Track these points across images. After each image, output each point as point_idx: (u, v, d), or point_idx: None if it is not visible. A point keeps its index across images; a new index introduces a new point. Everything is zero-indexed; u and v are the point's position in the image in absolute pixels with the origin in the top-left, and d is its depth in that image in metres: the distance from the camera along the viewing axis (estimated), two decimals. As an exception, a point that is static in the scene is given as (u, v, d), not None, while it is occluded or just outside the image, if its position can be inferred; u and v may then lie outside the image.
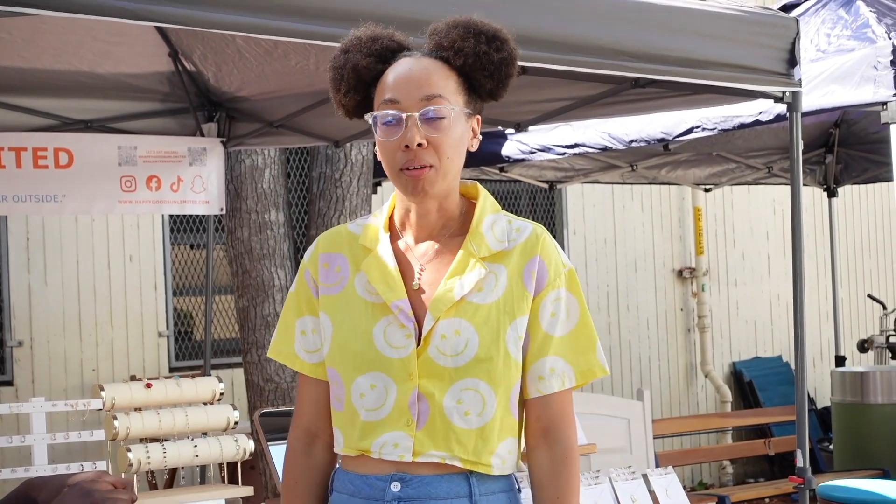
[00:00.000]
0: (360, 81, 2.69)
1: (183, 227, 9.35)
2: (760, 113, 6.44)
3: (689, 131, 6.95)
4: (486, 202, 2.75)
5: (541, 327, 2.69)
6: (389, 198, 2.82)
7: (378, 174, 8.03)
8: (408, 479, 2.65)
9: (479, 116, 2.73)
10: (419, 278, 2.70)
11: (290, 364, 2.81)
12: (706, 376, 11.74)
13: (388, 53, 2.70)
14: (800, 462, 5.15)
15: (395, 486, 2.65)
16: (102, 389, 5.53)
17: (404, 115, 2.61)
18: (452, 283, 2.66)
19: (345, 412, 2.70)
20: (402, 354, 2.65)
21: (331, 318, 2.73)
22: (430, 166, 2.62)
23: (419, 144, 2.60)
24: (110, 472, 5.59)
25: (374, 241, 2.73)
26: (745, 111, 6.50)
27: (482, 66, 2.65)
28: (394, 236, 2.75)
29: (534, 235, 2.72)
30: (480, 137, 2.76)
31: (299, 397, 2.84)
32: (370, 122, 2.68)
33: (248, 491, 5.82)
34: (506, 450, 2.69)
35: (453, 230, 2.73)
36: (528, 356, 2.70)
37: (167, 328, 9.15)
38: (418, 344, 2.64)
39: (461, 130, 2.67)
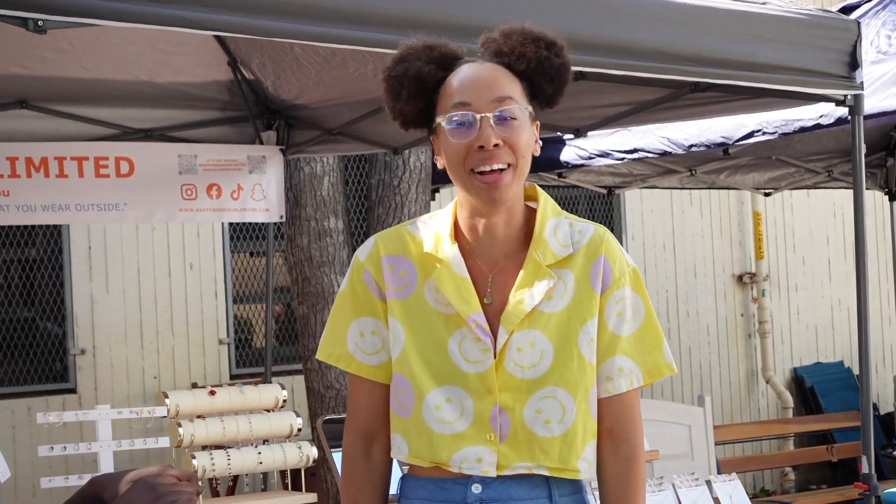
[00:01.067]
0: (422, 89, 2.67)
1: (242, 235, 9.40)
2: (821, 116, 6.39)
3: (750, 135, 6.90)
4: (546, 205, 2.73)
5: (608, 327, 2.68)
6: (448, 204, 2.79)
7: (437, 181, 8.03)
8: (489, 482, 2.64)
9: (538, 122, 2.72)
10: (490, 293, 2.68)
11: (343, 366, 2.76)
12: (767, 382, 11.65)
13: (447, 60, 2.70)
14: (865, 468, 5.10)
15: (477, 488, 2.64)
16: (167, 397, 5.56)
17: (478, 116, 2.60)
18: (522, 294, 2.65)
19: (411, 420, 2.68)
20: (479, 369, 2.63)
21: (403, 325, 2.69)
22: (508, 166, 2.60)
23: (495, 145, 2.58)
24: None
25: (441, 251, 2.70)
26: (806, 114, 6.45)
27: (544, 70, 2.65)
28: (461, 247, 2.71)
29: (597, 236, 2.70)
30: (541, 143, 2.74)
31: (354, 400, 2.80)
32: (444, 124, 2.64)
33: (312, 498, 5.84)
34: (592, 453, 2.69)
35: (518, 238, 2.70)
36: (597, 357, 2.69)
37: (227, 336, 9.19)
38: (494, 357, 2.63)
39: (529, 132, 2.66)
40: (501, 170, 2.59)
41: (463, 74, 2.66)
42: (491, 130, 2.59)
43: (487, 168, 2.59)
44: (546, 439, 2.62)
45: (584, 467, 2.66)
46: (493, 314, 2.66)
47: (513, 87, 2.64)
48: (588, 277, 2.67)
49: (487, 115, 2.60)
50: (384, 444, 2.78)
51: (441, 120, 2.64)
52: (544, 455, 2.63)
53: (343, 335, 2.75)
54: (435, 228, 2.74)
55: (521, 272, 2.66)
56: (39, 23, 3.21)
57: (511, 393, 2.62)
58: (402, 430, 2.70)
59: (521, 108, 2.62)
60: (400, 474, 2.82)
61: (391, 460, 2.81)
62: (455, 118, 2.62)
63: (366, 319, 2.73)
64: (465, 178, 2.62)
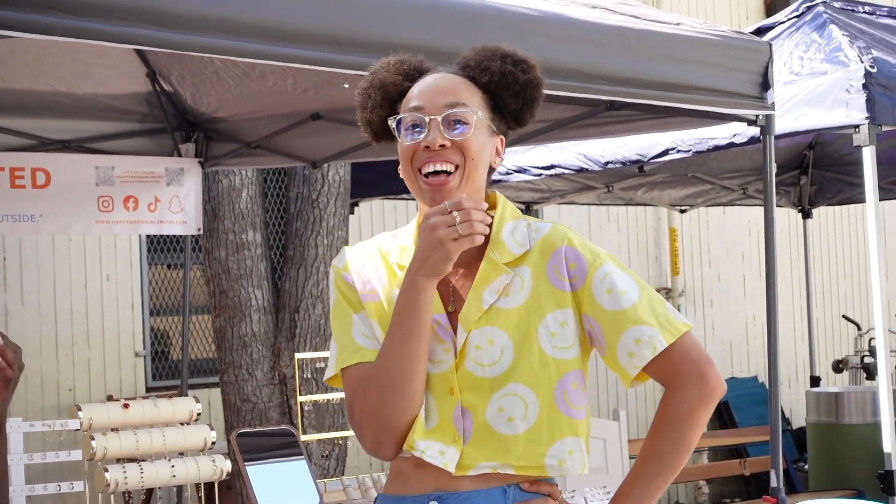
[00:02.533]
0: (386, 98, 2.72)
1: (160, 247, 9.36)
2: (735, 135, 6.49)
3: (665, 153, 7.00)
4: (505, 209, 2.73)
5: (604, 309, 2.64)
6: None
7: (356, 194, 8.05)
8: (445, 496, 2.64)
9: (502, 138, 2.74)
10: (452, 298, 2.69)
11: (359, 358, 2.69)
12: (680, 396, 11.73)
13: (415, 73, 2.74)
14: (773, 482, 5.19)
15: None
16: (80, 410, 5.53)
17: (427, 118, 2.63)
18: (479, 292, 2.65)
19: None
20: (441, 369, 2.65)
21: (380, 326, 2.69)
22: (455, 168, 2.62)
23: (441, 145, 2.61)
24: (87, 492, 5.60)
25: (405, 260, 2.71)
26: (720, 133, 6.55)
27: (507, 84, 2.66)
28: None
29: (554, 230, 2.69)
30: (503, 158, 2.76)
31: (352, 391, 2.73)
32: (393, 125, 2.68)
33: (229, 512, 5.84)
34: (563, 451, 2.64)
35: (480, 247, 2.67)
36: (608, 343, 2.65)
37: (144, 348, 9.14)
38: (455, 356, 2.64)
39: (484, 140, 2.66)
40: (448, 173, 2.61)
41: (422, 83, 2.70)
42: (438, 132, 2.61)
43: (431, 168, 2.62)
44: (509, 437, 2.61)
45: (552, 464, 2.63)
46: (456, 317, 2.67)
47: (470, 96, 2.66)
48: (545, 272, 2.66)
49: (436, 117, 2.62)
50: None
51: (392, 122, 2.68)
52: (507, 453, 2.61)
53: (350, 335, 2.72)
54: (400, 241, 2.77)
55: (479, 271, 2.66)
56: (-45, 34, 3.21)
57: (473, 392, 2.62)
58: None
59: (472, 112, 2.63)
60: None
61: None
62: (405, 118, 2.66)
63: (363, 313, 2.72)
64: (412, 180, 2.66)
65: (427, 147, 2.62)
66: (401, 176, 2.70)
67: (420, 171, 2.64)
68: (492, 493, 2.64)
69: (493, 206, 2.76)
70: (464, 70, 2.71)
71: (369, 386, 2.66)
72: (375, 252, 2.77)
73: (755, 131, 5.79)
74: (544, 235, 2.69)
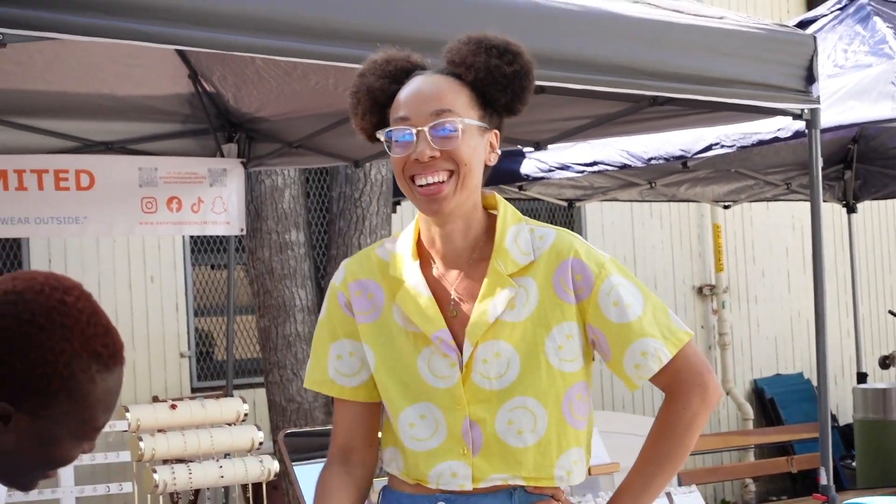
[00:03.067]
0: (375, 104, 2.68)
1: (204, 248, 9.37)
2: (779, 130, 6.44)
3: (708, 148, 6.95)
4: (506, 213, 2.72)
5: (611, 322, 2.64)
6: (411, 220, 2.80)
7: (398, 193, 8.04)
8: (452, 498, 2.65)
9: (497, 132, 2.71)
10: (454, 306, 2.67)
11: (326, 391, 2.77)
12: (727, 394, 11.68)
13: (401, 74, 2.70)
14: (823, 480, 5.14)
15: None
16: (128, 411, 5.54)
17: (415, 131, 2.60)
18: (485, 305, 2.64)
19: (396, 437, 2.71)
20: (448, 384, 2.64)
21: (373, 350, 2.70)
22: (450, 175, 2.60)
23: (431, 157, 2.58)
24: (136, 493, 5.61)
25: (403, 271, 2.70)
26: (764, 128, 6.50)
27: (494, 79, 2.63)
28: (423, 263, 2.71)
29: (559, 240, 2.68)
30: (500, 153, 2.72)
31: (336, 420, 2.81)
32: (383, 138, 2.65)
33: (277, 512, 5.84)
34: (570, 461, 2.67)
35: (480, 251, 2.69)
36: (613, 355, 2.66)
37: (189, 349, 9.16)
38: (461, 371, 2.64)
39: (475, 143, 2.63)
40: (441, 182, 2.59)
41: (407, 89, 2.66)
42: (426, 144, 2.58)
43: (423, 181, 2.59)
44: (519, 450, 2.62)
45: (562, 475, 2.65)
46: (459, 326, 2.65)
47: (456, 99, 2.62)
48: (552, 284, 2.65)
49: (423, 129, 2.59)
50: (362, 459, 2.79)
51: (381, 135, 2.66)
52: (518, 465, 2.63)
53: (324, 361, 2.76)
54: (399, 249, 2.74)
55: (484, 283, 2.65)
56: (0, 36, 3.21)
57: (481, 405, 2.62)
58: (395, 443, 2.72)
59: (460, 120, 2.60)
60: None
61: (369, 476, 2.82)
62: (393, 133, 2.63)
63: (344, 342, 2.74)
64: (407, 190, 2.64)
65: (417, 160, 2.59)
66: (399, 186, 2.68)
67: (413, 180, 2.62)
68: (498, 496, 2.65)
69: (492, 208, 2.75)
70: (449, 67, 2.68)
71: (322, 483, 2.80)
72: (374, 263, 2.76)
73: (799, 125, 5.75)
74: (550, 245, 2.68)
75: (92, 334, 1.93)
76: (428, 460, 2.65)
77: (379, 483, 2.88)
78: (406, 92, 2.66)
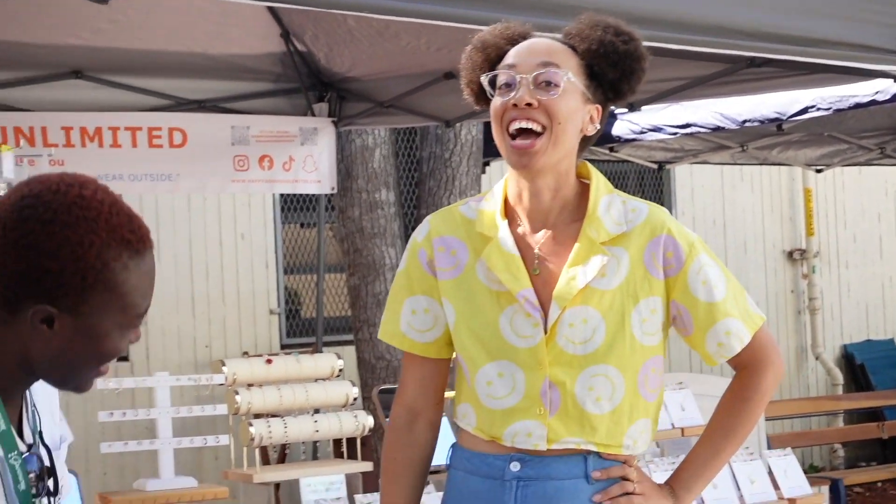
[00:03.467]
0: (487, 59, 2.70)
1: (293, 206, 9.41)
2: (877, 93, 6.33)
3: (804, 111, 6.84)
4: (599, 183, 2.72)
5: (698, 300, 2.68)
6: (500, 180, 2.79)
7: (487, 154, 8.01)
8: (527, 459, 2.65)
9: (599, 107, 2.70)
10: (538, 264, 2.67)
11: (398, 344, 2.78)
12: (817, 359, 11.58)
13: (517, 38, 2.72)
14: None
15: (515, 466, 2.65)
16: (224, 365, 5.58)
17: (518, 77, 2.61)
18: (575, 270, 2.63)
19: (471, 394, 2.70)
20: (530, 343, 2.63)
21: (453, 306, 2.70)
22: (543, 130, 2.60)
23: (528, 104, 2.59)
24: (232, 446, 5.67)
25: (491, 229, 2.70)
26: (861, 91, 6.39)
27: (606, 53, 2.64)
28: (511, 222, 2.71)
29: (653, 216, 2.69)
30: (599, 127, 2.72)
31: (404, 375, 2.83)
32: (486, 82, 2.67)
33: (368, 466, 5.85)
34: (638, 431, 2.69)
35: (569, 215, 2.70)
36: (696, 330, 2.70)
37: (278, 306, 9.22)
38: (545, 332, 2.63)
39: (576, 105, 2.63)
40: (535, 133, 2.59)
41: (520, 45, 2.69)
42: (526, 90, 2.60)
43: (517, 126, 2.60)
44: (595, 416, 2.63)
45: (629, 444, 2.67)
46: (542, 285, 2.65)
47: (566, 60, 2.64)
48: (642, 257, 2.66)
49: (527, 75, 2.61)
50: (428, 420, 2.81)
51: (485, 78, 2.67)
52: (593, 431, 2.64)
53: (398, 314, 2.78)
54: (486, 206, 2.74)
55: (575, 248, 2.65)
56: (100, -8, 3.20)
57: (562, 368, 2.62)
58: (470, 400, 2.72)
59: (563, 74, 2.61)
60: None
61: (435, 438, 2.83)
62: (498, 76, 2.65)
63: (419, 298, 2.75)
64: (501, 140, 2.64)
65: (515, 105, 2.60)
66: (494, 138, 2.69)
67: (508, 130, 2.61)
68: (572, 459, 2.66)
69: (585, 178, 2.75)
70: (565, 38, 2.70)
71: (390, 440, 2.85)
72: (458, 220, 2.75)
73: (897, 88, 5.62)
74: (644, 220, 2.69)
75: (117, 224, 1.91)
76: (504, 418, 2.65)
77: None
78: (518, 45, 2.69)
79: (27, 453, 2.04)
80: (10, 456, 1.98)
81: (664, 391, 2.80)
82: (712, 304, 2.67)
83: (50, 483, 2.06)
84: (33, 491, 2.02)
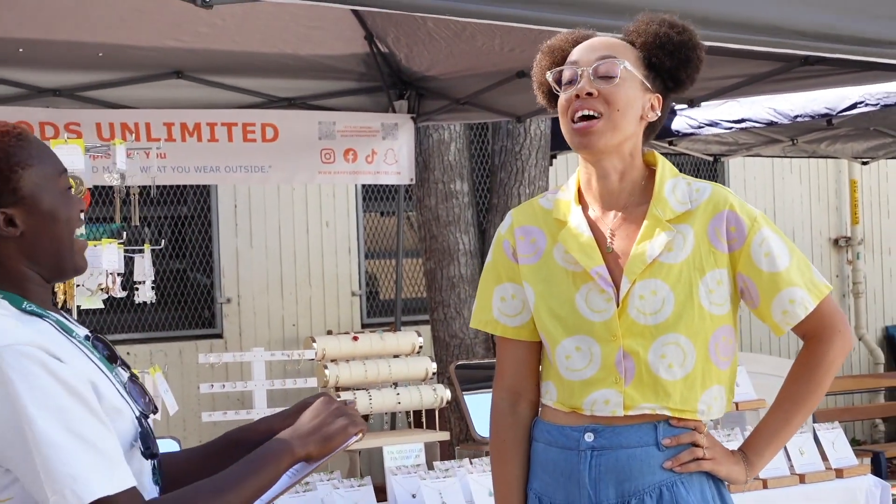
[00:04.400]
0: (553, 61, 2.76)
1: (374, 196, 9.44)
2: (923, 89, 6.24)
3: (853, 107, 6.76)
4: (664, 168, 2.73)
5: (762, 271, 2.66)
6: (566, 172, 2.81)
7: (555, 147, 7.99)
8: (600, 429, 2.65)
9: (659, 96, 2.70)
10: (612, 243, 2.68)
11: (491, 330, 2.81)
12: (860, 339, 11.46)
13: (581, 39, 2.77)
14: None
15: (589, 437, 2.66)
16: (314, 341, 5.62)
17: (579, 70, 2.65)
18: (644, 246, 2.64)
19: (553, 369, 2.72)
20: (604, 317, 2.64)
21: (533, 287, 2.73)
22: (600, 115, 2.61)
23: (588, 94, 2.61)
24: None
25: (566, 214, 2.73)
26: (908, 87, 6.31)
27: (662, 44, 2.66)
28: (584, 208, 2.73)
29: (716, 193, 2.69)
30: (661, 115, 2.72)
31: (501, 358, 2.85)
32: (551, 80, 2.70)
33: (445, 436, 5.88)
34: (711, 397, 2.68)
35: (637, 198, 2.71)
36: (762, 301, 2.68)
37: (359, 288, 9.26)
38: (617, 305, 2.62)
39: (634, 93, 2.65)
40: (593, 117, 2.61)
41: (581, 44, 2.72)
42: (587, 80, 2.63)
43: (579, 114, 2.62)
44: (669, 382, 2.62)
45: (703, 409, 2.66)
46: (615, 263, 2.66)
47: (624, 52, 2.66)
48: (707, 232, 2.66)
49: (587, 68, 2.64)
50: (530, 400, 2.82)
51: (549, 75, 2.71)
52: (667, 396, 2.63)
53: (489, 302, 2.81)
54: (562, 196, 2.77)
55: (643, 225, 2.66)
56: (206, -2, 3.22)
57: (635, 338, 2.63)
58: (551, 377, 2.74)
59: (621, 63, 2.63)
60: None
61: (535, 416, 2.83)
62: (563, 71, 2.69)
63: (507, 285, 2.78)
64: (566, 127, 2.66)
65: (577, 96, 2.63)
66: (561, 129, 2.71)
67: (573, 120, 2.64)
68: (643, 428, 2.64)
69: (651, 164, 2.76)
70: (624, 35, 2.73)
71: (495, 424, 2.83)
72: (537, 211, 2.79)
73: (944, 85, 5.54)
74: (707, 198, 2.68)
75: None
76: (583, 389, 2.66)
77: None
78: (579, 45, 2.73)
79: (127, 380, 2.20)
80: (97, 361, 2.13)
81: (737, 363, 2.77)
82: (776, 273, 2.65)
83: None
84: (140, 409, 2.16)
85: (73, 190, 2.19)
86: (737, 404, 5.24)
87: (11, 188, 2.08)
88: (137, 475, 2.05)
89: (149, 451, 2.08)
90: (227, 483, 2.04)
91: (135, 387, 2.18)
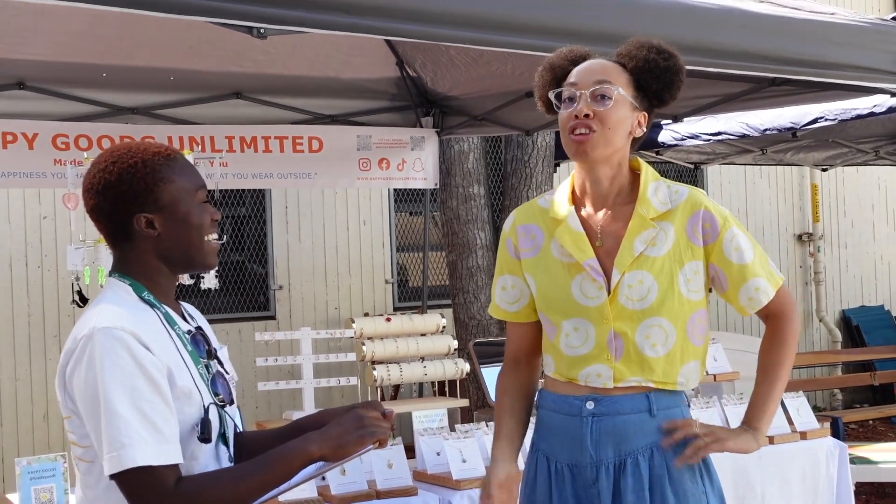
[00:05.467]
0: (553, 77, 2.73)
1: (404, 198, 9.44)
2: (875, 106, 6.19)
3: (815, 121, 6.71)
4: (647, 173, 2.73)
5: (732, 262, 2.67)
6: (568, 177, 2.81)
7: (558, 157, 7.98)
8: (599, 398, 2.66)
9: (646, 114, 2.69)
10: (601, 238, 2.67)
11: (496, 315, 2.86)
12: (820, 321, 11.41)
13: (579, 59, 2.74)
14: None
15: (590, 405, 2.67)
16: (353, 322, 5.64)
17: (578, 92, 2.63)
18: (631, 242, 2.65)
19: (553, 345, 2.73)
20: (597, 303, 2.65)
21: (534, 278, 2.74)
22: (593, 131, 2.60)
23: (586, 115, 2.60)
24: (359, 385, 5.73)
25: (561, 213, 2.72)
26: (861, 104, 6.25)
27: (650, 68, 2.65)
28: (577, 207, 2.73)
29: (692, 196, 2.70)
30: (646, 130, 2.72)
31: (508, 336, 2.90)
32: (553, 98, 2.69)
33: (465, 402, 5.89)
34: (689, 370, 2.69)
35: (624, 198, 2.71)
36: (730, 288, 2.69)
37: (392, 276, 9.26)
38: (609, 293, 2.62)
39: (625, 113, 2.64)
40: (588, 133, 2.60)
41: (580, 65, 2.70)
42: (585, 103, 2.62)
43: (577, 131, 2.61)
44: (653, 359, 2.63)
45: (682, 381, 2.67)
46: (605, 256, 2.66)
47: (617, 77, 2.64)
48: (685, 229, 2.65)
49: (585, 91, 2.62)
50: (529, 362, 2.86)
51: (552, 94, 2.69)
52: (651, 371, 2.63)
53: (497, 291, 2.85)
54: (558, 197, 2.77)
55: (630, 224, 2.66)
56: (262, 31, 3.24)
57: (624, 321, 2.63)
58: (550, 351, 2.74)
59: (614, 88, 2.61)
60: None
61: (536, 373, 2.88)
62: (563, 91, 2.67)
63: (507, 277, 2.81)
64: (566, 139, 2.66)
65: (576, 116, 2.62)
66: (561, 140, 2.71)
67: (570, 134, 2.64)
68: (637, 397, 2.65)
69: (636, 169, 2.76)
70: (617, 57, 2.71)
71: (500, 392, 2.87)
72: (537, 211, 2.79)
73: (892, 102, 5.55)
74: (685, 199, 2.68)
75: (153, 152, 2.19)
76: (579, 363, 2.66)
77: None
78: (578, 66, 2.71)
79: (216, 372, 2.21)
80: (199, 362, 2.17)
81: (709, 340, 2.78)
82: (744, 265, 2.66)
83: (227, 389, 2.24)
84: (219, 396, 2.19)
85: (209, 202, 2.25)
86: (714, 376, 5.23)
87: (154, 198, 2.15)
88: (195, 454, 2.10)
89: (203, 436, 2.11)
90: (245, 473, 2.07)
91: (222, 380, 2.21)
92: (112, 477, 2.00)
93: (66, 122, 5.90)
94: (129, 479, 1.98)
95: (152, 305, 2.15)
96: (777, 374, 2.73)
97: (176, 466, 2.03)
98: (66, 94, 5.94)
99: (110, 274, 2.20)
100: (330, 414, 2.30)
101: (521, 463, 2.88)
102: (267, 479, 2.06)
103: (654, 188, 2.68)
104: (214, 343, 2.28)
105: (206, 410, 2.12)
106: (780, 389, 2.75)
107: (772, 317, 2.73)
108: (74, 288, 4.71)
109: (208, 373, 2.18)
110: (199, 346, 2.21)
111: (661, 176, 2.77)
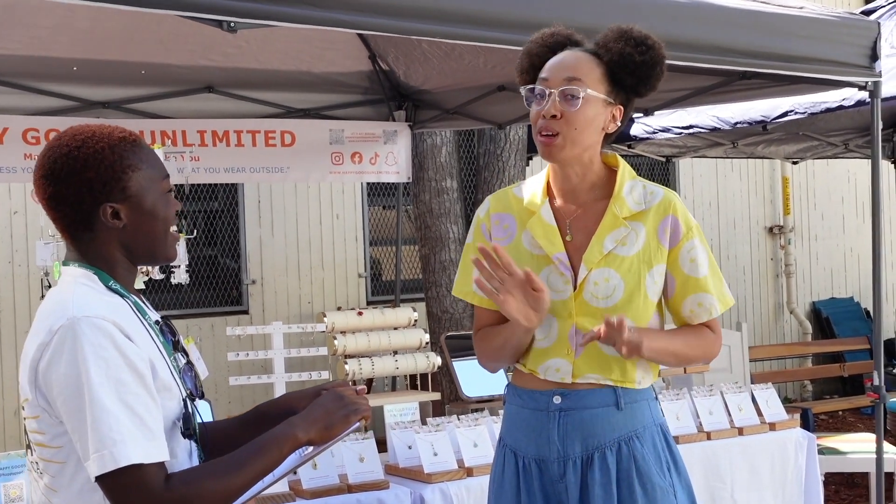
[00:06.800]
0: (531, 65, 2.69)
1: (377, 192, 9.43)
2: (843, 99, 6.22)
3: (784, 115, 6.74)
4: (625, 171, 2.70)
5: (683, 271, 2.65)
6: (541, 171, 2.79)
7: (531, 150, 7.99)
8: (567, 393, 2.65)
9: (621, 107, 2.65)
10: (570, 232, 2.66)
11: (469, 300, 2.79)
12: (791, 313, 11.47)
13: (559, 47, 2.68)
14: (876, 381, 4.99)
15: (557, 399, 2.65)
16: (325, 316, 5.62)
17: (547, 91, 2.59)
18: (601, 239, 2.63)
19: None
20: (562, 297, 2.63)
21: None
22: (558, 134, 2.57)
23: (553, 116, 2.57)
24: (330, 379, 5.71)
25: (535, 205, 2.70)
26: (831, 98, 6.28)
27: (625, 63, 2.59)
28: (550, 200, 2.71)
29: (666, 199, 2.67)
30: (620, 125, 2.68)
31: (478, 317, 2.83)
32: (524, 93, 2.66)
33: (436, 395, 5.89)
34: (644, 370, 2.67)
35: (597, 194, 2.68)
36: (676, 295, 2.67)
37: (364, 270, 9.25)
38: (574, 289, 2.61)
39: (595, 112, 2.60)
40: (554, 135, 2.58)
41: (554, 57, 2.65)
42: (553, 104, 2.59)
43: (545, 132, 2.60)
44: (611, 358, 2.62)
45: (639, 378, 2.65)
46: (574, 250, 2.65)
47: (590, 72, 2.59)
48: (656, 232, 2.64)
49: (554, 90, 2.58)
50: None
51: (524, 91, 2.66)
52: (609, 370, 2.62)
53: (468, 276, 2.78)
54: (532, 188, 2.75)
55: (602, 221, 2.64)
56: (232, 24, 3.22)
57: (587, 318, 2.61)
58: None
59: (582, 89, 2.57)
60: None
61: None
62: (532, 89, 2.64)
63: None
64: (536, 135, 2.64)
65: (543, 115, 2.59)
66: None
67: (539, 133, 2.63)
68: (604, 391, 2.63)
69: (613, 165, 2.73)
70: (594, 47, 2.65)
71: (479, 342, 2.76)
72: (511, 200, 2.76)
73: (861, 96, 5.56)
74: (659, 201, 2.66)
75: (117, 138, 2.10)
76: (540, 356, 2.65)
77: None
78: (552, 59, 2.66)
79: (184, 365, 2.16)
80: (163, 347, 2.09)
81: None
82: (694, 278, 2.65)
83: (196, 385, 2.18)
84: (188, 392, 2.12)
85: (171, 193, 2.17)
86: (685, 368, 5.25)
87: (121, 187, 2.05)
88: (174, 450, 2.01)
89: (187, 431, 2.04)
90: (236, 463, 1.99)
91: (189, 372, 2.14)
92: (98, 477, 1.88)
93: (36, 117, 5.86)
94: (117, 479, 1.87)
95: (122, 295, 2.05)
96: (675, 343, 2.65)
97: (163, 464, 1.93)
98: (37, 89, 5.90)
99: (65, 263, 2.09)
100: (295, 397, 2.24)
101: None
102: (257, 468, 2.00)
103: (630, 187, 2.67)
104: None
105: (185, 404, 2.05)
106: (665, 347, 2.63)
107: (704, 326, 2.73)
108: (44, 283, 4.68)
109: (177, 365, 2.10)
110: (167, 337, 2.13)
111: (634, 169, 2.76)
